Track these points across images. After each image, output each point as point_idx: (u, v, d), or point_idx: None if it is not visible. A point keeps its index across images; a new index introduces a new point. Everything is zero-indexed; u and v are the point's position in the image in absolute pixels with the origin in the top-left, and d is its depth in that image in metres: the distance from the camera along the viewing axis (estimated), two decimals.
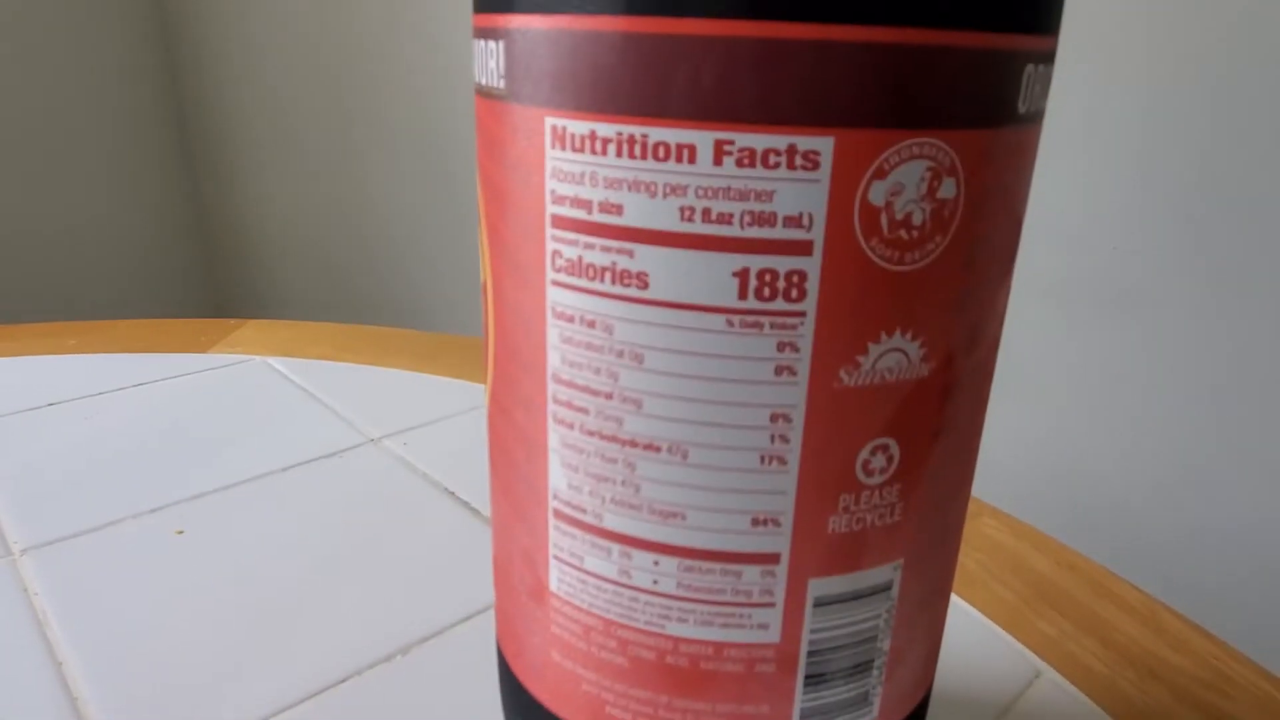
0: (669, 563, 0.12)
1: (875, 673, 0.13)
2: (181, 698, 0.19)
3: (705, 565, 0.11)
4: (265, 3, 1.36)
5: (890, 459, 0.11)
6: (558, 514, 0.12)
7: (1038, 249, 0.59)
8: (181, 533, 0.24)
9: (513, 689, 0.15)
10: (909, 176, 0.10)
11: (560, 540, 0.12)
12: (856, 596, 0.12)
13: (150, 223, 1.72)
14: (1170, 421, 0.56)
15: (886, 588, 0.12)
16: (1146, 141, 0.53)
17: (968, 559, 0.25)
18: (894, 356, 0.11)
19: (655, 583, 0.12)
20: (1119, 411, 0.58)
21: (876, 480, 0.11)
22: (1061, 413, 0.61)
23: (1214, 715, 0.19)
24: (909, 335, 0.11)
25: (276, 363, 0.39)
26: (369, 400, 0.35)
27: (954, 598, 0.23)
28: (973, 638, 0.22)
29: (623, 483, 0.11)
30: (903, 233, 0.10)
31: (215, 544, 0.24)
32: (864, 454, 0.11)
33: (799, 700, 0.12)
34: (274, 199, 1.53)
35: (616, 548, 0.12)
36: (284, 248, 1.55)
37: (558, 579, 0.13)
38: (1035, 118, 0.11)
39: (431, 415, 0.34)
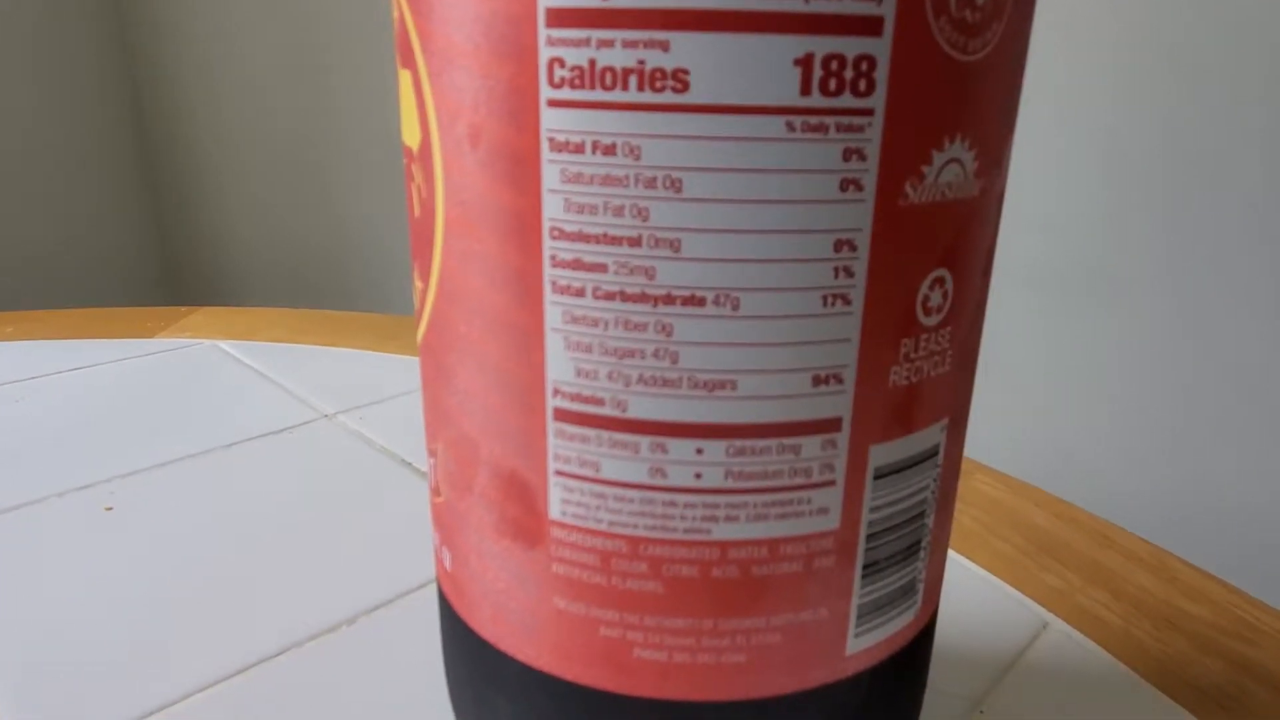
0: (715, 448, 0.10)
1: (922, 555, 0.11)
2: (94, 675, 0.17)
3: (759, 444, 0.10)
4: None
5: (945, 295, 0.10)
6: (561, 414, 0.10)
7: (1017, 236, 0.59)
8: (110, 509, 0.23)
9: (488, 662, 0.12)
10: None
11: (565, 449, 0.10)
12: (911, 464, 0.11)
13: (106, 219, 1.60)
14: (1157, 409, 0.56)
15: (935, 452, 0.11)
16: (1125, 125, 0.53)
17: (963, 515, 0.24)
18: (953, 169, 0.09)
19: (698, 477, 0.10)
20: (1103, 399, 0.58)
21: (934, 321, 0.10)
22: (1045, 402, 0.60)
23: (1241, 663, 0.19)
24: (966, 143, 0.09)
25: (227, 345, 0.36)
26: (324, 379, 0.33)
27: (951, 553, 0.22)
28: (973, 592, 0.21)
29: (655, 353, 0.09)
30: (968, 13, 0.09)
31: (146, 519, 0.22)
32: (924, 289, 0.10)
33: (856, 595, 0.11)
34: (233, 193, 1.45)
35: (646, 441, 0.10)
36: (243, 241, 1.46)
37: (562, 500, 0.10)
38: None
39: (391, 391, 0.32)
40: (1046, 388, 0.63)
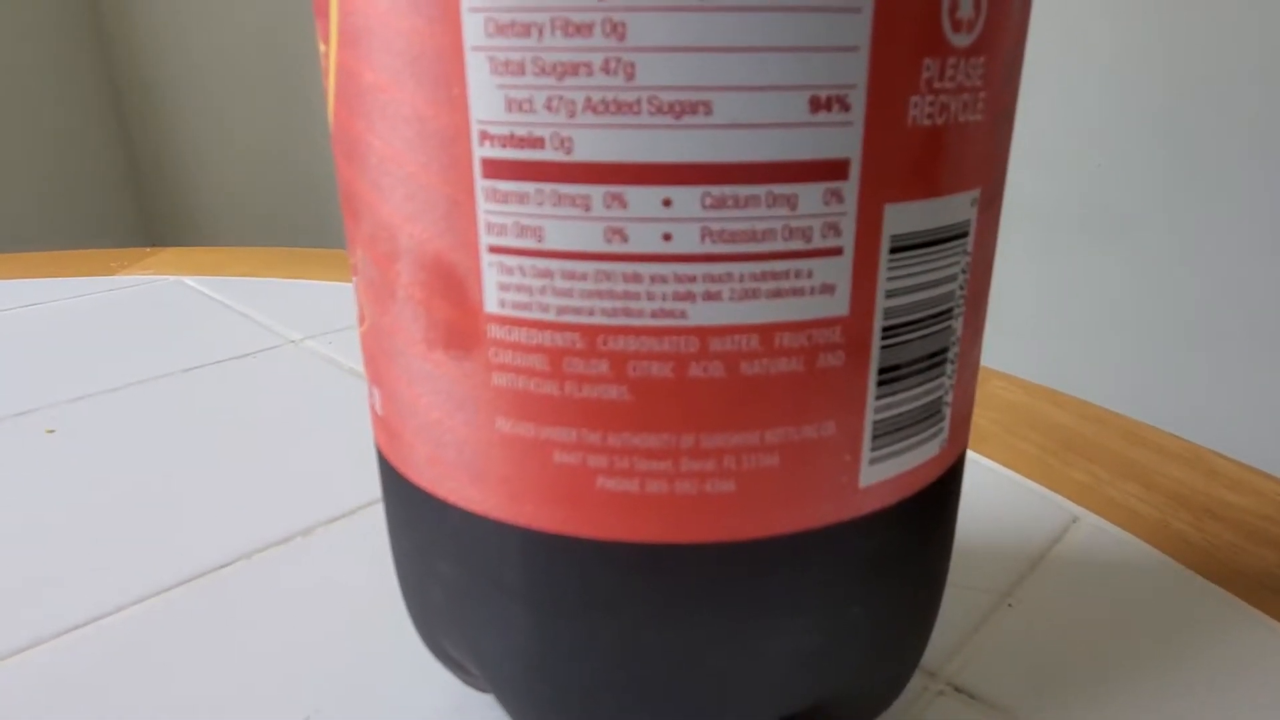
0: (687, 197, 0.07)
1: (948, 369, 0.09)
2: (21, 586, 0.16)
3: (743, 191, 0.07)
4: None
5: (979, 8, 0.08)
6: (491, 167, 0.08)
7: (1019, 171, 0.57)
8: (52, 431, 0.22)
9: (427, 517, 0.10)
10: None
11: (499, 214, 0.08)
12: (936, 240, 0.08)
13: (75, 157, 1.55)
14: (1160, 349, 0.54)
15: (964, 231, 0.09)
16: (1129, 57, 0.52)
17: (980, 418, 0.22)
18: None
19: (667, 239, 0.08)
20: (1107, 340, 0.56)
21: (964, 40, 0.08)
22: (1046, 342, 0.60)
23: None
24: None
25: (192, 281, 0.35)
26: (294, 309, 0.31)
27: (969, 454, 0.21)
28: (995, 490, 0.19)
29: (605, 67, 0.07)
30: None
31: (89, 441, 0.21)
32: None
33: (871, 408, 0.09)
34: (208, 128, 1.43)
35: (599, 192, 0.07)
36: (217, 179, 1.44)
37: (499, 285, 0.08)
38: None
39: None
40: (1048, 330, 0.61)
